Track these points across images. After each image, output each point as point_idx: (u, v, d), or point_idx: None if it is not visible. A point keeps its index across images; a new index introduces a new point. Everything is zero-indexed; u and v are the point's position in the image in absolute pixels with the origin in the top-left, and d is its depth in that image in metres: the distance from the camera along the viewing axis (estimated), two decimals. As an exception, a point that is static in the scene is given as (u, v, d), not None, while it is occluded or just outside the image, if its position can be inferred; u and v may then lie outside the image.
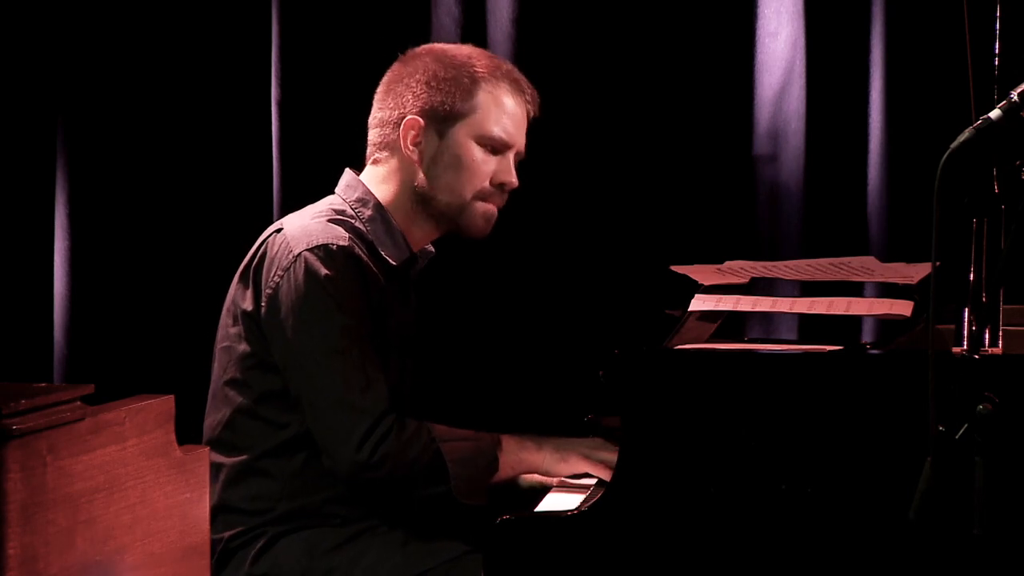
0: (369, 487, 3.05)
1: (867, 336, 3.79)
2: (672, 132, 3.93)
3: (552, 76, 3.90)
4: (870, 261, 3.26)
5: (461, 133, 3.18)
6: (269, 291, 3.08)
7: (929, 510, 2.25)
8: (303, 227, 3.13)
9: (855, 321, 3.68)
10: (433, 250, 3.33)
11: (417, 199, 3.21)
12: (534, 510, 2.91)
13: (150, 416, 2.44)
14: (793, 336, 3.85)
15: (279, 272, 3.07)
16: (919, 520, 2.26)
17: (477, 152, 3.19)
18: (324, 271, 3.04)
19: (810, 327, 3.70)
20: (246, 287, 3.13)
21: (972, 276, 2.62)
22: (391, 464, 3.00)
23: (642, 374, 2.69)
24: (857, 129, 3.88)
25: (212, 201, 4.08)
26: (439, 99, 3.17)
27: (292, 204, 3.38)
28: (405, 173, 3.21)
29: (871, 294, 3.38)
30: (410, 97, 3.18)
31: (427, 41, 3.59)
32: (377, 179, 3.23)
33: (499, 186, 3.21)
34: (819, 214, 3.91)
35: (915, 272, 3.04)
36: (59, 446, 2.24)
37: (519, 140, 3.22)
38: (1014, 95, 2.34)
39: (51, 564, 2.22)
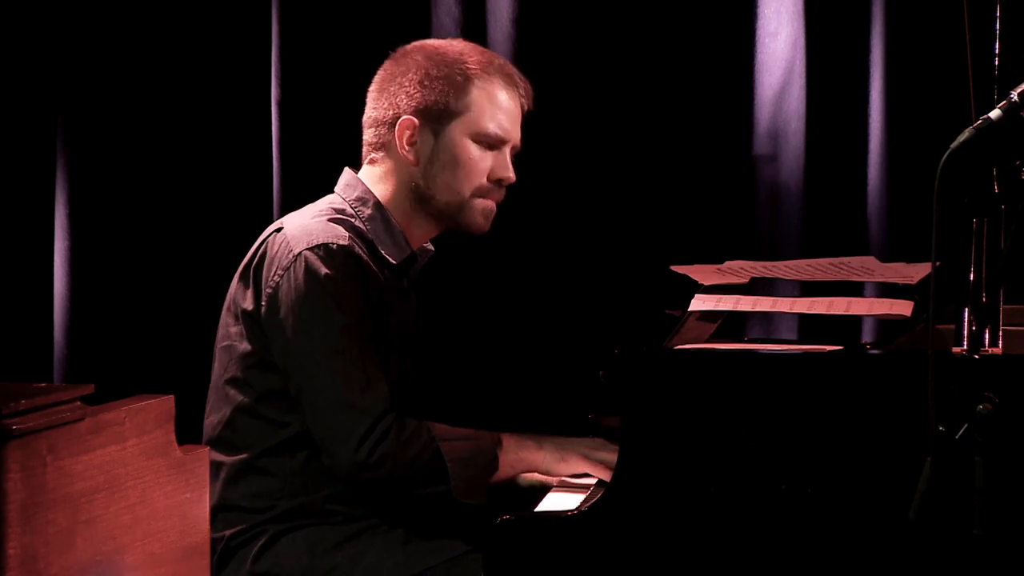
0: (369, 486, 3.05)
1: (867, 336, 3.79)
2: (672, 132, 3.93)
3: (552, 76, 3.90)
4: (870, 261, 3.26)
5: (456, 131, 3.18)
6: (269, 290, 3.08)
7: (929, 510, 2.24)
8: (303, 226, 3.13)
9: (855, 321, 3.68)
10: (432, 248, 3.33)
11: (415, 198, 3.21)
12: (534, 510, 2.91)
13: (150, 416, 2.44)
14: (793, 336, 3.85)
15: (279, 271, 3.07)
16: (919, 520, 2.26)
17: (473, 149, 3.19)
18: (324, 270, 3.04)
19: (810, 327, 3.70)
20: (246, 286, 3.13)
21: (972, 276, 2.62)
22: (390, 463, 3.00)
23: (642, 374, 2.69)
24: (857, 129, 3.88)
25: (212, 201, 4.08)
26: (433, 98, 3.17)
27: (292, 204, 3.38)
28: (402, 173, 3.21)
29: (871, 294, 3.38)
30: (404, 97, 3.18)
31: (428, 41, 3.59)
32: (374, 179, 3.23)
33: (497, 182, 3.21)
34: (819, 214, 3.91)
35: (915, 272, 3.04)
36: (59, 446, 2.24)
37: (515, 135, 3.22)
38: (1014, 95, 2.34)
39: (51, 564, 2.22)
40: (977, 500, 2.26)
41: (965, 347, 2.58)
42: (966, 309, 2.62)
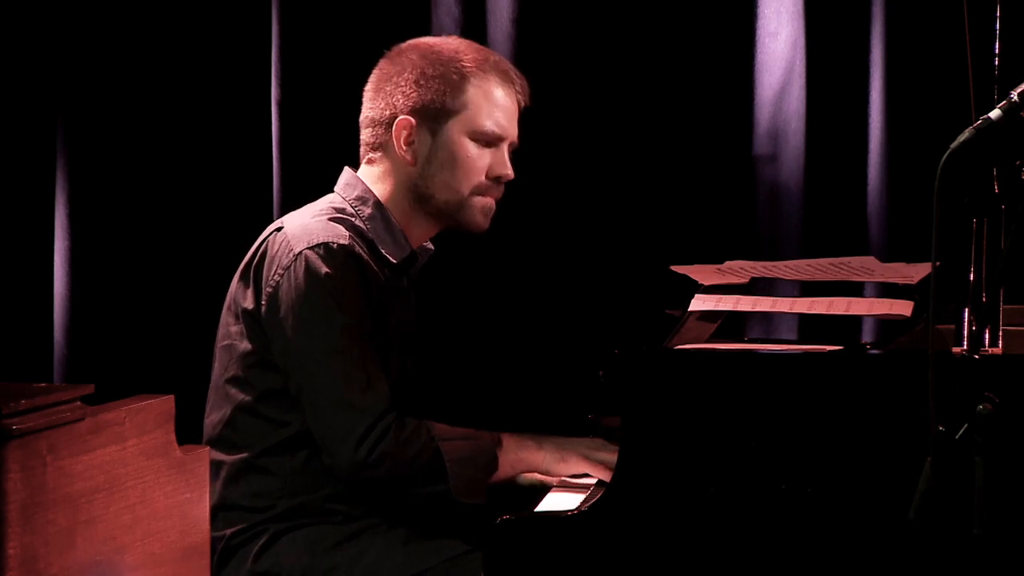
0: (369, 485, 3.05)
1: (867, 336, 3.79)
2: (672, 132, 3.93)
3: (552, 76, 3.90)
4: (870, 261, 3.26)
5: (454, 130, 3.18)
6: (269, 289, 3.08)
7: (929, 510, 2.24)
8: (303, 226, 3.13)
9: (855, 321, 3.68)
10: (432, 247, 3.33)
11: (414, 197, 3.21)
12: (534, 510, 2.91)
13: (150, 416, 2.44)
14: (793, 336, 3.85)
15: (279, 271, 3.07)
16: (919, 520, 2.26)
17: (471, 148, 3.19)
18: (325, 269, 3.04)
19: (810, 327, 3.70)
20: (247, 285, 3.13)
21: (972, 276, 2.62)
22: (389, 462, 3.00)
23: (642, 374, 2.69)
24: (857, 129, 3.88)
25: (212, 201, 4.08)
26: (429, 97, 3.17)
27: (292, 204, 3.38)
28: (400, 173, 3.21)
29: (871, 294, 3.38)
30: (400, 97, 3.18)
31: (427, 41, 3.59)
32: (373, 178, 3.23)
33: (495, 179, 3.21)
34: (819, 214, 3.91)
35: (915, 272, 3.04)
36: (59, 446, 2.24)
37: (512, 131, 3.22)
38: (1014, 95, 2.34)
39: (51, 564, 2.22)
40: (977, 500, 2.26)
41: (965, 347, 2.58)
42: (966, 309, 2.62)
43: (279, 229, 3.15)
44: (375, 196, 3.20)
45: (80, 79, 4.09)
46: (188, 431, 2.65)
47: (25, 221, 4.12)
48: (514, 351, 4.00)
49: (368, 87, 3.25)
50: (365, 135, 3.25)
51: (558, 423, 3.41)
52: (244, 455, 3.12)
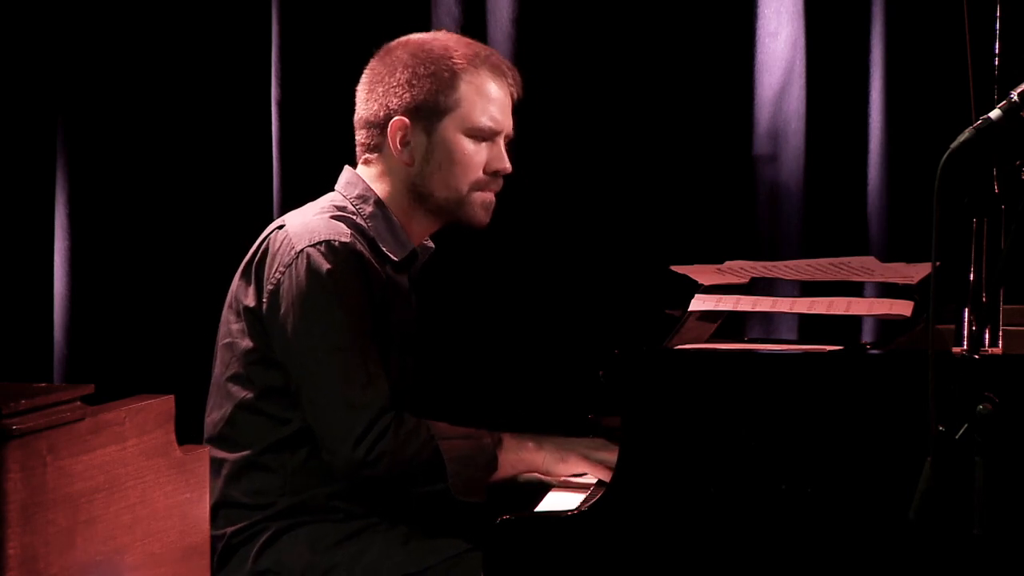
0: (368, 483, 3.05)
1: (867, 336, 3.79)
2: (672, 132, 3.93)
3: (552, 76, 3.91)
4: (870, 261, 3.26)
5: (449, 128, 3.18)
6: (271, 287, 3.08)
7: (929, 510, 2.24)
8: (305, 223, 3.13)
9: (855, 321, 3.68)
10: (433, 246, 3.33)
11: (414, 196, 3.21)
12: (534, 510, 2.91)
13: (150, 416, 2.44)
14: (793, 336, 3.85)
15: (281, 268, 3.07)
16: (919, 520, 2.26)
17: (467, 144, 3.19)
18: (326, 267, 3.04)
19: (810, 327, 3.70)
20: (248, 283, 3.14)
21: (972, 276, 2.62)
22: (388, 461, 3.00)
23: (642, 374, 2.69)
24: (857, 129, 3.88)
25: (212, 201, 4.08)
26: (422, 97, 3.17)
27: (292, 204, 3.38)
28: (398, 173, 3.21)
29: (871, 294, 3.38)
30: (393, 98, 3.18)
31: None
32: (371, 178, 3.23)
33: (493, 174, 3.21)
34: (819, 214, 3.91)
35: (915, 272, 3.04)
36: (59, 446, 2.24)
37: (507, 125, 3.22)
38: (1014, 95, 2.34)
39: (51, 564, 2.22)
40: (977, 500, 2.26)
41: (965, 347, 2.58)
42: (966, 309, 2.62)
43: (281, 227, 3.15)
44: (376, 194, 3.20)
45: (80, 79, 4.09)
46: (188, 431, 2.65)
47: (25, 221, 4.12)
48: (514, 351, 4.00)
49: (360, 88, 3.24)
50: (360, 136, 3.25)
51: (558, 423, 3.41)
52: (245, 453, 3.12)
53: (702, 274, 3.08)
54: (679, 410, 2.66)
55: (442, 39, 3.24)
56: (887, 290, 3.09)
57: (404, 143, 3.19)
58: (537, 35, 3.95)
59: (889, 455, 2.59)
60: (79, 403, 2.29)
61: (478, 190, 3.20)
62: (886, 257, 3.59)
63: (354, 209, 3.18)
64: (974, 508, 2.26)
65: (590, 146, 3.96)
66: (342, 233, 3.09)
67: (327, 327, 3.03)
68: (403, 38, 3.26)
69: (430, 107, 3.17)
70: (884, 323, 3.33)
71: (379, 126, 3.20)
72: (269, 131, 4.03)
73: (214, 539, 3.06)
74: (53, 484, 2.23)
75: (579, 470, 3.10)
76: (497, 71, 3.20)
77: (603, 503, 2.67)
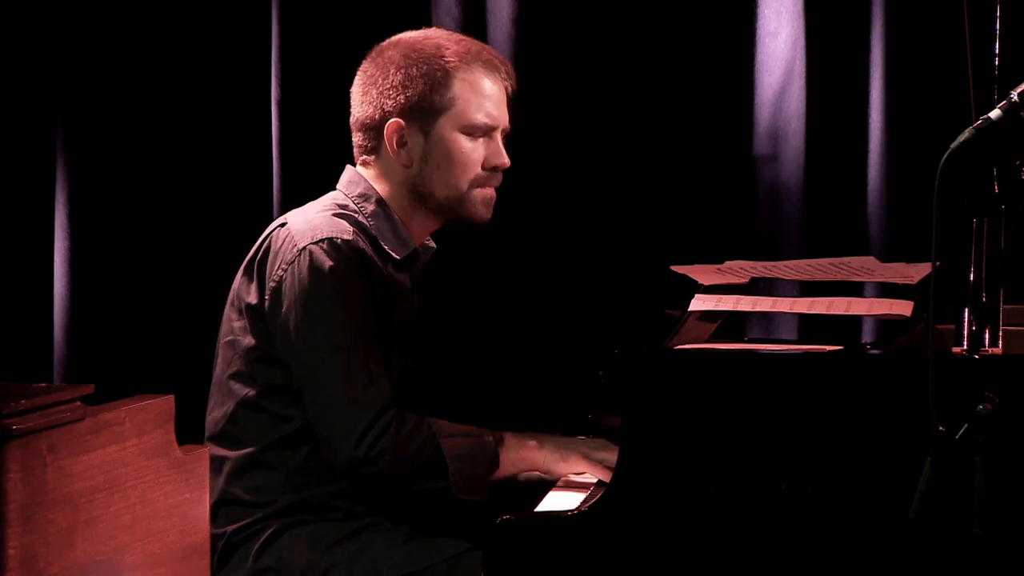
0: (370, 480, 3.05)
1: (867, 336, 3.79)
2: (672, 132, 3.93)
3: (552, 76, 3.90)
4: (870, 261, 3.26)
5: (445, 127, 3.18)
6: (273, 284, 3.08)
7: (929, 510, 2.24)
8: (308, 221, 3.13)
9: (855, 321, 3.68)
10: (434, 246, 3.33)
11: (414, 196, 3.21)
12: (534, 510, 2.91)
13: (150, 416, 2.44)
14: (793, 336, 3.85)
15: (283, 265, 3.08)
16: (919, 520, 2.26)
17: (465, 142, 3.18)
18: (329, 264, 3.04)
19: (810, 327, 3.70)
20: (250, 280, 3.14)
21: (972, 276, 2.62)
22: (390, 458, 3.00)
23: (642, 374, 2.69)
24: (857, 129, 3.88)
25: (212, 201, 4.08)
26: (416, 98, 3.16)
27: (292, 204, 3.38)
28: (397, 173, 3.21)
29: (871, 294, 3.38)
30: (387, 100, 3.17)
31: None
32: (371, 179, 3.23)
33: (492, 169, 3.21)
34: (819, 214, 3.91)
35: (915, 272, 3.04)
36: (59, 446, 2.24)
37: (503, 119, 3.22)
38: (1014, 95, 2.34)
39: (51, 564, 2.22)
40: (977, 500, 2.26)
41: (965, 347, 2.58)
42: (966, 309, 2.62)
43: (283, 224, 3.16)
44: (377, 193, 3.20)
45: (80, 79, 4.09)
46: (188, 431, 2.65)
47: (25, 221, 4.12)
48: (515, 350, 4.00)
49: (354, 90, 3.24)
50: (357, 139, 3.24)
51: (558, 423, 3.41)
52: (247, 450, 3.12)
53: (702, 274, 3.08)
54: (679, 410, 2.66)
55: (433, 37, 3.23)
56: (887, 290, 3.09)
57: (401, 145, 3.19)
58: (537, 35, 3.95)
59: (889, 455, 2.59)
60: (79, 403, 2.29)
61: (478, 187, 3.20)
62: (886, 257, 3.59)
63: (356, 208, 3.18)
64: (974, 508, 2.26)
65: (590, 146, 3.96)
66: (345, 231, 3.09)
67: (329, 325, 3.03)
68: (394, 38, 3.26)
69: (425, 107, 3.16)
70: (884, 323, 3.33)
71: (375, 129, 3.20)
72: (269, 131, 4.03)
73: (215, 537, 3.06)
74: (53, 484, 2.23)
75: (579, 470, 3.10)
76: (490, 66, 3.20)
77: (603, 503, 2.67)
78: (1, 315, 4.13)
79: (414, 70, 3.16)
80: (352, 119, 3.24)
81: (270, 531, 3.10)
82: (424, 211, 3.23)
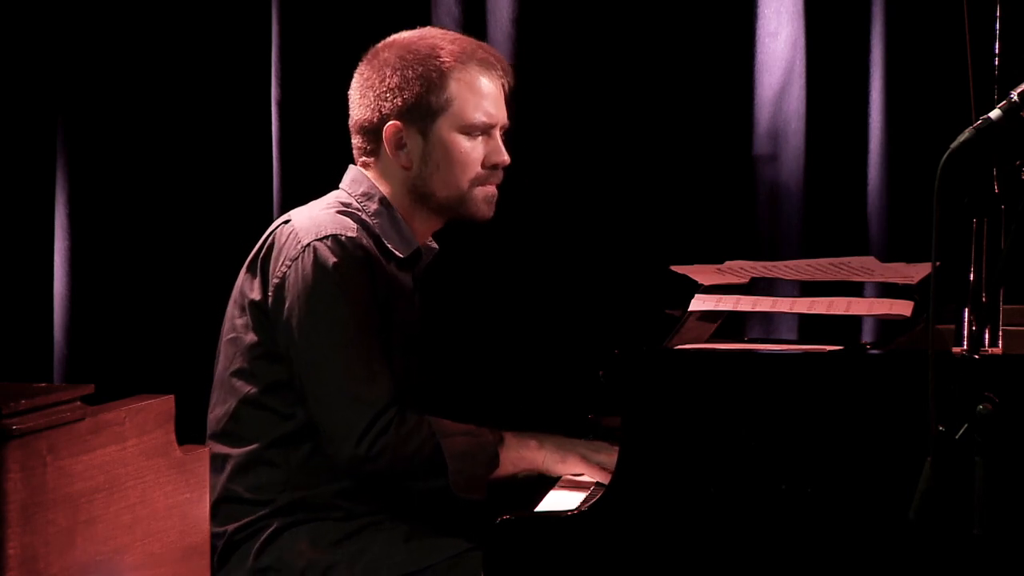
0: (370, 478, 3.05)
1: (867, 336, 3.79)
2: (672, 132, 3.93)
3: (552, 76, 3.90)
4: (870, 261, 3.26)
5: (443, 128, 3.18)
6: (276, 280, 3.08)
7: (929, 510, 2.24)
8: (312, 218, 3.13)
9: (855, 321, 3.68)
10: (436, 247, 3.33)
11: (415, 197, 3.21)
12: (534, 510, 2.91)
13: (150, 416, 2.44)
14: (793, 336, 3.85)
15: (287, 262, 3.08)
16: (919, 520, 2.26)
17: (464, 142, 3.18)
18: (333, 261, 3.05)
19: (810, 327, 3.70)
20: (253, 277, 3.14)
21: (972, 276, 2.62)
22: (390, 456, 3.00)
23: (642, 374, 2.69)
24: (857, 129, 3.88)
25: (212, 201, 4.08)
26: (413, 100, 3.16)
27: (292, 203, 3.38)
28: (397, 175, 3.21)
29: (871, 294, 3.38)
30: (385, 103, 3.17)
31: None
32: (372, 179, 3.23)
33: (492, 167, 3.21)
34: (819, 214, 3.91)
35: (915, 272, 3.04)
36: (59, 446, 2.24)
37: (501, 116, 3.22)
38: (1014, 95, 2.34)
39: (51, 564, 2.22)
40: (977, 500, 2.26)
41: (965, 347, 2.58)
42: (966, 309, 2.62)
43: (287, 222, 3.16)
44: (380, 192, 3.20)
45: (80, 79, 4.09)
46: (188, 431, 2.65)
47: (25, 221, 4.12)
48: (515, 351, 4.00)
49: (352, 92, 3.24)
50: (356, 141, 3.24)
51: (558, 423, 3.41)
52: (248, 448, 3.12)
53: (702, 274, 3.08)
54: (679, 410, 2.66)
55: (428, 38, 3.23)
56: (887, 290, 3.09)
57: (400, 147, 3.19)
58: (537, 35, 3.95)
59: (889, 455, 2.59)
60: (79, 403, 2.29)
61: (479, 185, 3.20)
62: (886, 257, 3.59)
63: (359, 206, 3.18)
64: (974, 508, 2.26)
65: (590, 146, 3.96)
66: (349, 228, 3.10)
67: (332, 322, 3.03)
68: (390, 39, 3.26)
69: (422, 109, 3.16)
70: (884, 323, 3.33)
71: (374, 131, 3.20)
72: (269, 131, 4.03)
73: (215, 536, 3.06)
74: (53, 484, 2.23)
75: (578, 471, 3.10)
76: (486, 64, 3.20)
77: (603, 503, 2.67)
78: (1, 315, 4.13)
79: (410, 72, 3.16)
80: (351, 121, 3.24)
81: (271, 530, 3.10)
82: (426, 211, 3.23)
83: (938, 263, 2.25)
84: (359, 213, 3.17)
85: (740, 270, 3.14)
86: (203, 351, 3.35)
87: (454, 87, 3.17)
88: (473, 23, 3.95)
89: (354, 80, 3.24)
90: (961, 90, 2.73)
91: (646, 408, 2.67)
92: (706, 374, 2.68)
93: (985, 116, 2.33)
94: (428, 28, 3.32)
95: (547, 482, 3.12)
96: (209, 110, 4.07)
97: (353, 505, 3.10)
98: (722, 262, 3.21)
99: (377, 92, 3.18)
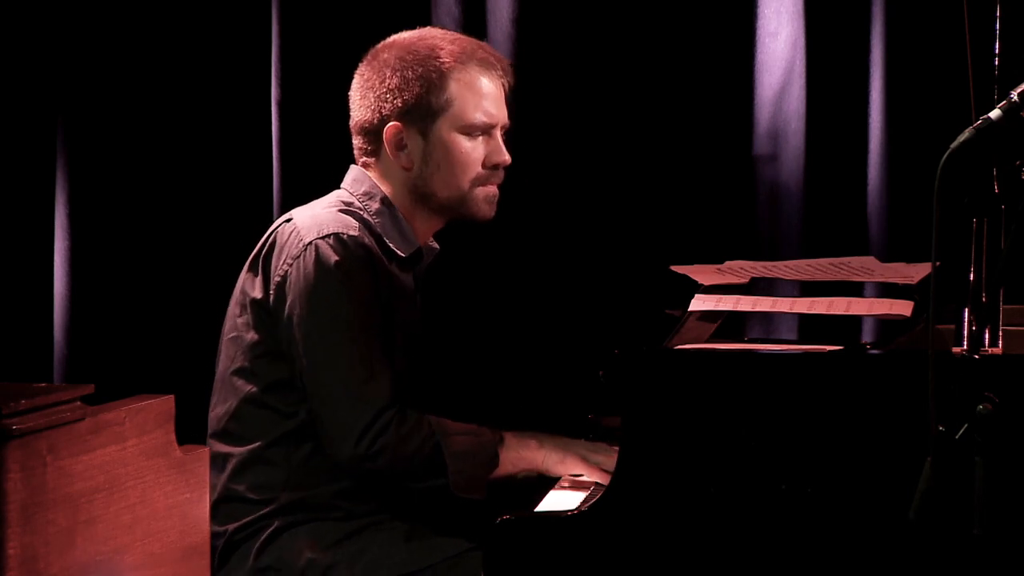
0: (370, 477, 3.05)
1: (867, 336, 3.79)
2: (672, 132, 3.93)
3: (552, 76, 3.90)
4: (870, 261, 3.26)
5: (444, 128, 3.18)
6: (278, 279, 3.08)
7: (929, 510, 2.24)
8: (314, 216, 3.13)
9: (855, 321, 3.68)
10: (438, 247, 3.33)
11: (416, 197, 3.21)
12: (534, 510, 2.91)
13: (150, 416, 2.44)
14: (793, 336, 3.85)
15: (289, 260, 3.08)
16: (919, 520, 2.26)
17: (464, 142, 3.18)
18: (335, 259, 3.05)
19: (810, 327, 3.70)
20: (255, 275, 3.14)
21: (972, 276, 2.62)
22: (390, 455, 3.00)
23: (642, 374, 2.69)
24: (857, 129, 3.88)
25: (212, 201, 4.08)
26: (413, 101, 3.16)
27: (292, 203, 3.38)
28: (398, 176, 3.21)
29: (871, 294, 3.38)
30: (385, 104, 3.17)
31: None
32: (374, 179, 3.23)
33: (493, 167, 3.21)
34: (819, 214, 3.91)
35: (915, 272, 3.04)
36: (59, 446, 2.24)
37: (501, 116, 3.22)
38: (1014, 95, 2.34)
39: (51, 564, 2.22)
40: (977, 500, 2.26)
41: (965, 347, 2.58)
42: (966, 309, 2.62)
43: (289, 220, 3.16)
44: (382, 192, 3.20)
45: (80, 79, 4.09)
46: (188, 430, 2.65)
47: (25, 221, 4.12)
48: (515, 351, 4.00)
49: (352, 93, 3.24)
50: (357, 141, 3.25)
51: (558, 423, 3.41)
52: (249, 447, 3.12)
53: (702, 274, 3.08)
54: (679, 410, 2.66)
55: (428, 38, 3.23)
56: (887, 290, 3.09)
57: (401, 147, 3.19)
58: (537, 35, 3.95)
59: (889, 455, 2.59)
60: (79, 403, 2.29)
61: (480, 185, 3.20)
62: (886, 257, 3.59)
63: (361, 206, 3.19)
64: (974, 508, 2.26)
65: (590, 146, 3.96)
66: (351, 226, 3.10)
67: (334, 320, 3.03)
68: (389, 39, 3.26)
69: (423, 110, 3.16)
70: (884, 323, 3.33)
71: (374, 132, 3.20)
72: (269, 131, 4.03)
73: (215, 536, 3.06)
74: (53, 484, 2.23)
75: (577, 471, 3.10)
76: (486, 64, 3.20)
77: (603, 503, 2.67)
78: (1, 315, 4.13)
79: (410, 73, 3.16)
80: (351, 122, 3.25)
81: (271, 529, 3.10)
82: (427, 211, 3.23)
83: (938, 263, 2.25)
84: (361, 212, 3.17)
85: (740, 270, 3.14)
86: (203, 351, 3.35)
87: (454, 87, 3.17)
88: (473, 23, 3.95)
89: (354, 81, 3.24)
90: (961, 90, 2.73)
91: (646, 408, 2.67)
92: (706, 374, 2.68)
93: (985, 116, 2.33)
94: (428, 28, 3.32)
95: (547, 482, 3.12)
96: (209, 110, 4.07)
97: (353, 505, 3.10)
98: (722, 262, 3.21)
99: (377, 93, 3.18)
